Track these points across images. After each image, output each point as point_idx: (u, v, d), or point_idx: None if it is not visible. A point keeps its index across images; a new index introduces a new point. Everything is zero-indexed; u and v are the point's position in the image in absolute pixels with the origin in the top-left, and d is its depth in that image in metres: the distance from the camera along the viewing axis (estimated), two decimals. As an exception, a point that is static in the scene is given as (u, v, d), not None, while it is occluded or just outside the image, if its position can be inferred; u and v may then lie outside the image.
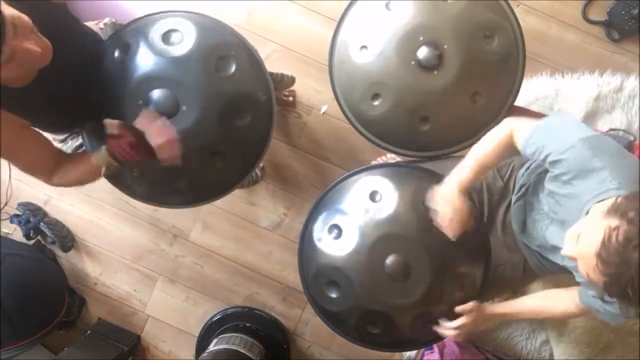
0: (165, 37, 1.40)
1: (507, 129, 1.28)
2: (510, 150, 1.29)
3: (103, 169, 1.33)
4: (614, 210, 0.94)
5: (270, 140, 1.52)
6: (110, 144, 1.28)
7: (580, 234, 0.99)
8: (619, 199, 0.96)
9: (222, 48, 1.43)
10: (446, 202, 1.29)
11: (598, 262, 0.92)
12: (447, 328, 1.41)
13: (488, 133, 1.32)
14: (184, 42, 1.39)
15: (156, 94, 1.35)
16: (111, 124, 1.26)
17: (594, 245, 0.92)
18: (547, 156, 1.14)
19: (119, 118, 1.32)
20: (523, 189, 1.44)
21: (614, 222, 0.91)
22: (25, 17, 1.06)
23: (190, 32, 1.40)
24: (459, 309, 1.40)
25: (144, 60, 1.37)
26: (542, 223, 1.32)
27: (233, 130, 1.44)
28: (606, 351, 1.92)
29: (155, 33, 1.40)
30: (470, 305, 1.39)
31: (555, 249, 1.25)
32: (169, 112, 1.34)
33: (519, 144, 1.23)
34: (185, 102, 1.35)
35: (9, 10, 1.03)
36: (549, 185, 1.20)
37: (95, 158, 1.32)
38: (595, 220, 0.97)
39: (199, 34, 1.40)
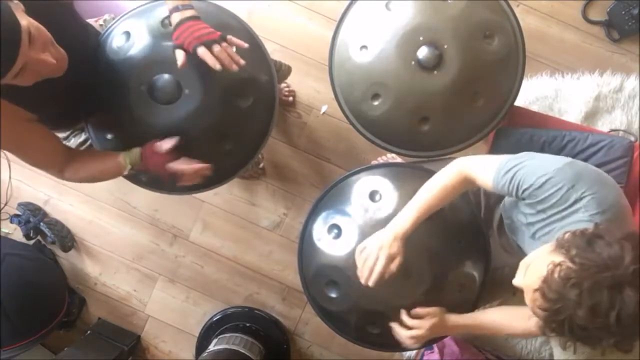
0: (164, 22, 1.39)
1: (456, 172, 1.25)
2: (456, 193, 1.27)
3: (127, 169, 1.36)
4: (560, 246, 0.95)
5: (275, 122, 1.52)
6: (149, 155, 1.34)
7: (529, 266, 1.00)
8: (566, 235, 0.96)
9: (223, 30, 1.42)
10: (379, 247, 1.24)
11: (539, 296, 0.93)
12: (402, 333, 1.35)
13: (433, 177, 1.28)
14: None
15: (159, 79, 1.35)
16: (165, 144, 1.33)
17: (538, 280, 0.94)
18: (523, 190, 1.12)
19: (122, 106, 1.35)
20: None
21: (558, 258, 0.92)
22: (43, 30, 1.05)
23: None
24: (417, 311, 1.35)
25: (145, 47, 1.37)
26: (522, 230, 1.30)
27: (237, 112, 1.43)
28: (606, 351, 1.92)
29: (155, 19, 1.40)
30: (431, 309, 1.34)
31: None
32: (172, 96, 1.34)
33: (488, 182, 1.19)
34: (188, 86, 1.35)
35: (26, 20, 1.01)
36: (523, 208, 1.18)
37: (126, 158, 1.34)
38: (543, 254, 0.98)
39: None
